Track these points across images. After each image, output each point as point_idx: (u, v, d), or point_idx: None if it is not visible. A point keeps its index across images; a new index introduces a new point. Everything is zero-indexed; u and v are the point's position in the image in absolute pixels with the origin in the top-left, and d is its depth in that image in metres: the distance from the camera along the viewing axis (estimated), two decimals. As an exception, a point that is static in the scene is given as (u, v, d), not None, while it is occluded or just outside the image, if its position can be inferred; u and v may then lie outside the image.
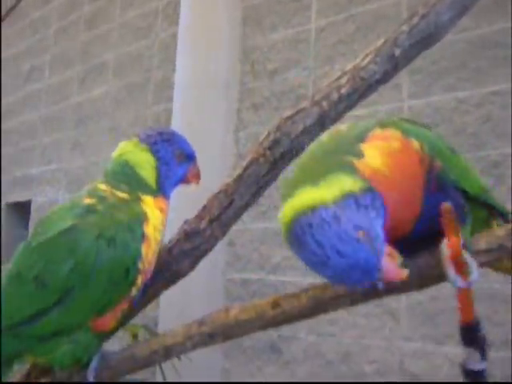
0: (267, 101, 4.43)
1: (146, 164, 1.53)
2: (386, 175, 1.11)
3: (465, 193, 1.27)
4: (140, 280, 1.41)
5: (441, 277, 1.16)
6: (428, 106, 3.59)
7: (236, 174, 1.40)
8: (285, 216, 1.09)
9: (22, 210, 6.75)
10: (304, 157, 1.24)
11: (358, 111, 3.21)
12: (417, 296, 3.38)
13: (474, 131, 3.39)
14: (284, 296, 1.33)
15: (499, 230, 1.20)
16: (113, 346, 1.57)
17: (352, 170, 1.09)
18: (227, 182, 1.42)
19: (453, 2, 1.30)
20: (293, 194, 1.10)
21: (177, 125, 4.55)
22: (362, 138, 1.17)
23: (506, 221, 1.35)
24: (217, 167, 4.28)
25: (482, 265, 1.18)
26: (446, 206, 1.13)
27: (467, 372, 1.18)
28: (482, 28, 3.41)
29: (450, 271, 1.13)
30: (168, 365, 3.27)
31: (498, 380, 2.97)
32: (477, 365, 1.17)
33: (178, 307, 4.06)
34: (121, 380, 1.52)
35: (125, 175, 1.52)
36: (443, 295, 3.29)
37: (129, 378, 1.57)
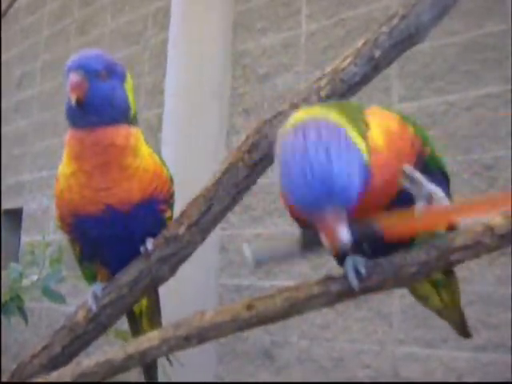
0: (259, 105, 4.42)
1: None
2: (381, 154, 1.13)
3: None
4: None
5: (416, 276, 1.14)
6: (418, 109, 3.57)
7: (215, 179, 1.38)
8: (305, 112, 1.09)
9: (14, 217, 6.72)
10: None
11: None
12: (409, 299, 3.34)
13: (465, 134, 3.38)
14: (258, 298, 1.34)
15: (476, 226, 1.20)
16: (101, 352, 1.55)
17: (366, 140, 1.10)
18: (206, 186, 1.40)
19: (433, 3, 1.29)
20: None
21: (168, 130, 4.53)
22: (362, 108, 1.20)
23: None
24: (208, 172, 4.26)
25: (456, 262, 1.19)
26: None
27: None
28: (472, 31, 3.40)
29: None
30: (160, 370, 3.24)
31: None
32: None
33: (171, 313, 4.01)
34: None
35: None
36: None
37: None
